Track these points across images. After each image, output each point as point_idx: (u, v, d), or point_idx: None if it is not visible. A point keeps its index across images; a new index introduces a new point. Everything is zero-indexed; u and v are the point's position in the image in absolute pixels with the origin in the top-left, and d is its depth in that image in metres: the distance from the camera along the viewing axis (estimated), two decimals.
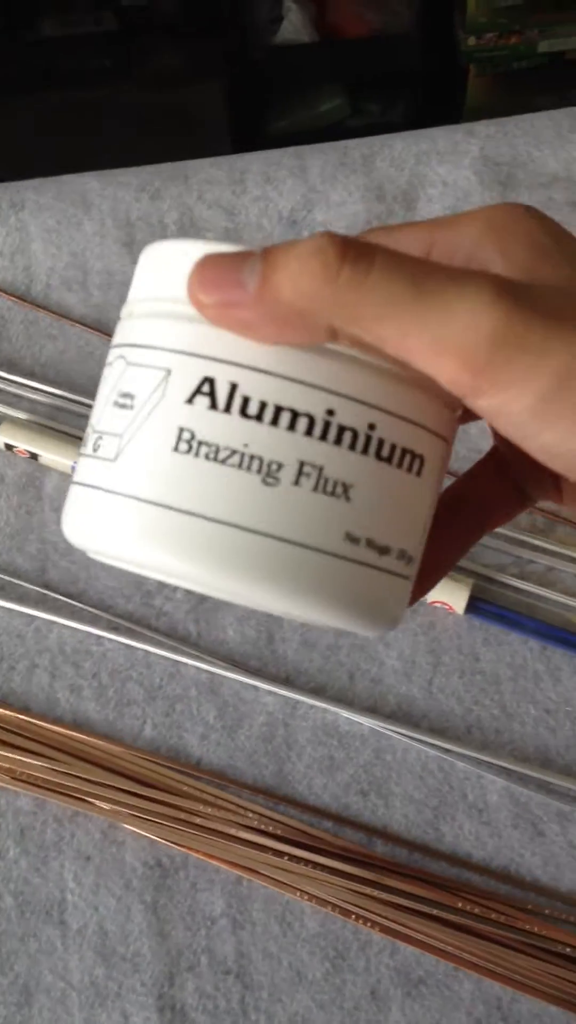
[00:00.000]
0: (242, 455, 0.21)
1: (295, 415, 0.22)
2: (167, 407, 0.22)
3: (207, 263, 0.21)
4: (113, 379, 0.23)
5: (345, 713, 0.48)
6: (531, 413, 0.21)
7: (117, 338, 0.24)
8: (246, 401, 0.22)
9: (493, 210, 0.24)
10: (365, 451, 0.22)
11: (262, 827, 0.45)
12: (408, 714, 0.48)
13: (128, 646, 0.50)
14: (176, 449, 0.22)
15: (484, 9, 1.21)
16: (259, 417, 0.22)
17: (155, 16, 1.34)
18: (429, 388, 0.22)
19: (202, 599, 0.51)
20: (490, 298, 0.20)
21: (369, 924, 0.44)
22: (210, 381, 0.22)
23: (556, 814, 0.45)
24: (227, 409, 0.22)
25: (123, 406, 0.23)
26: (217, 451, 0.22)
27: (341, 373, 0.22)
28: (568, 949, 0.42)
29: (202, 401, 0.22)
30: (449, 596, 0.49)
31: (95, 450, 0.23)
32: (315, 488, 0.22)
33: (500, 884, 0.44)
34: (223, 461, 0.22)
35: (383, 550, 0.23)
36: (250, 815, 0.46)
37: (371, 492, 0.22)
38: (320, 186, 0.61)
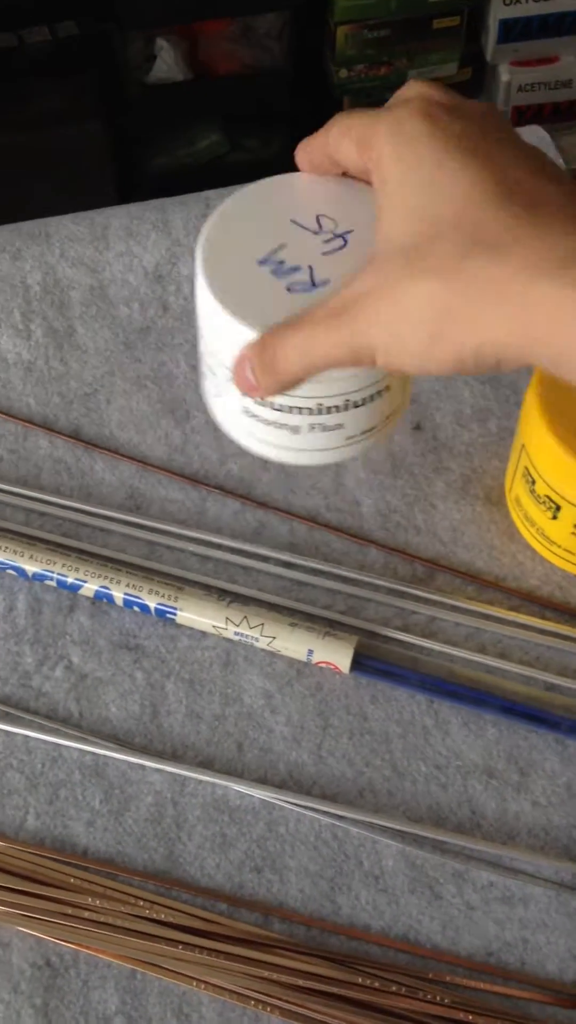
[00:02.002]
0: (276, 423, 0.38)
1: (303, 408, 0.38)
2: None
3: (235, 370, 0.36)
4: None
5: (235, 786, 0.46)
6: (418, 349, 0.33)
7: None
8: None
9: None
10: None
11: (154, 916, 0.44)
12: (299, 781, 0.47)
13: (6, 731, 0.48)
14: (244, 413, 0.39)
15: (352, 42, 1.22)
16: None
17: (27, 58, 1.32)
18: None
19: (81, 677, 0.49)
20: (428, 290, 0.32)
21: (269, 1008, 0.42)
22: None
23: (452, 875, 0.44)
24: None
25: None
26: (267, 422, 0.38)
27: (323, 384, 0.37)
28: (470, 1016, 0.41)
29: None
30: (333, 655, 0.48)
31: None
32: (318, 431, 0.38)
33: (400, 954, 0.43)
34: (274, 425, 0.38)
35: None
36: (141, 903, 0.44)
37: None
38: (184, 239, 0.60)
